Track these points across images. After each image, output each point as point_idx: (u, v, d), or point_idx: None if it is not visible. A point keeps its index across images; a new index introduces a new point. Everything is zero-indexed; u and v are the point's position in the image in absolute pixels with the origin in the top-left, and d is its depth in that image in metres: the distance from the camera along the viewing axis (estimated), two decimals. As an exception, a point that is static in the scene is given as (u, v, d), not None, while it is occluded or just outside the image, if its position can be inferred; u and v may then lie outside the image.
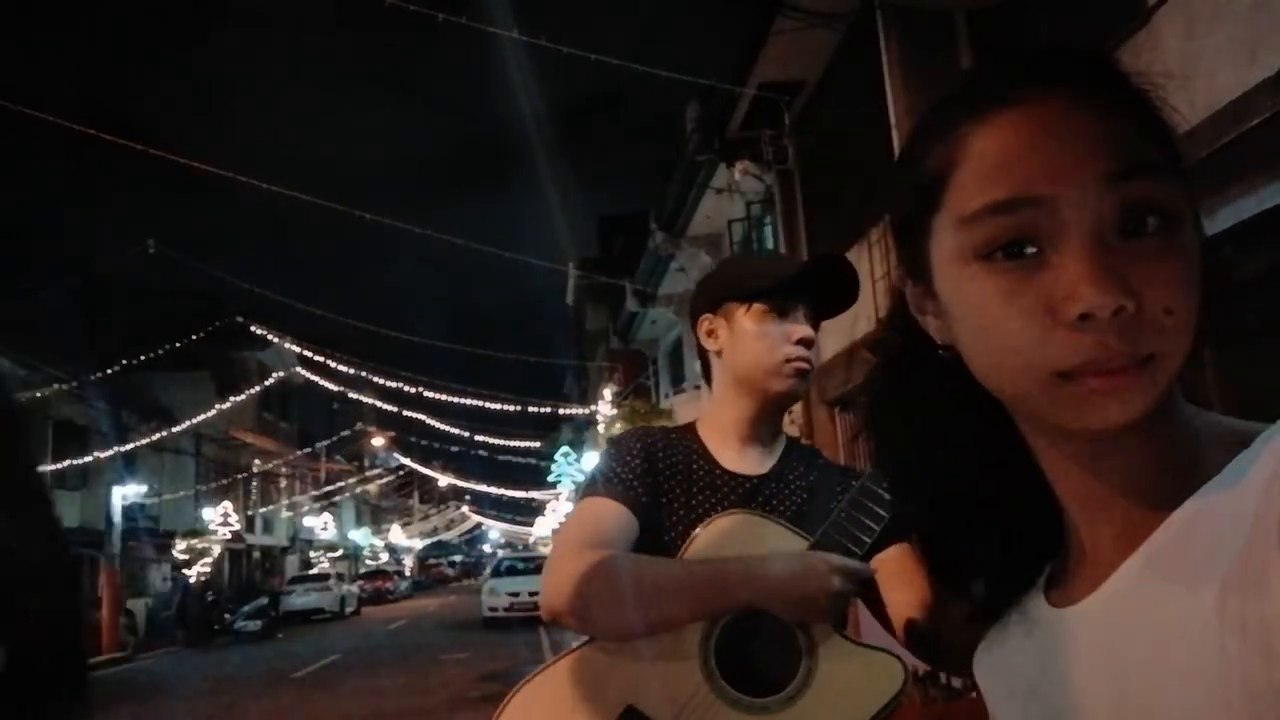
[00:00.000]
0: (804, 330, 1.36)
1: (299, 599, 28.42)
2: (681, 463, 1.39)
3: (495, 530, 67.32)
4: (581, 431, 27.28)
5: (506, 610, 19.48)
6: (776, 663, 1.20)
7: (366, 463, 44.17)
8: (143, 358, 20.08)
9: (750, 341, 1.37)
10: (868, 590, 1.31)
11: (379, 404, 25.32)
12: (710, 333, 1.43)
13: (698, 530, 1.27)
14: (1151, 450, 0.58)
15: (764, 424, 1.41)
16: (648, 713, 1.17)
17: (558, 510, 30.11)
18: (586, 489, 1.38)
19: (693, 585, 1.19)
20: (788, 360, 1.35)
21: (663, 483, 1.36)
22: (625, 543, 1.28)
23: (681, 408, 12.93)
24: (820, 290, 1.38)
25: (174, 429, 23.21)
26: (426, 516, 59.24)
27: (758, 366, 1.36)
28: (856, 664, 1.22)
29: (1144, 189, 0.55)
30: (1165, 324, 0.53)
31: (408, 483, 51.69)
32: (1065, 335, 0.51)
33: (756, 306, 1.37)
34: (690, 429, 1.45)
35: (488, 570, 28.38)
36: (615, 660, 1.20)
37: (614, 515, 1.31)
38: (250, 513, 32.67)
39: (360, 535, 47.26)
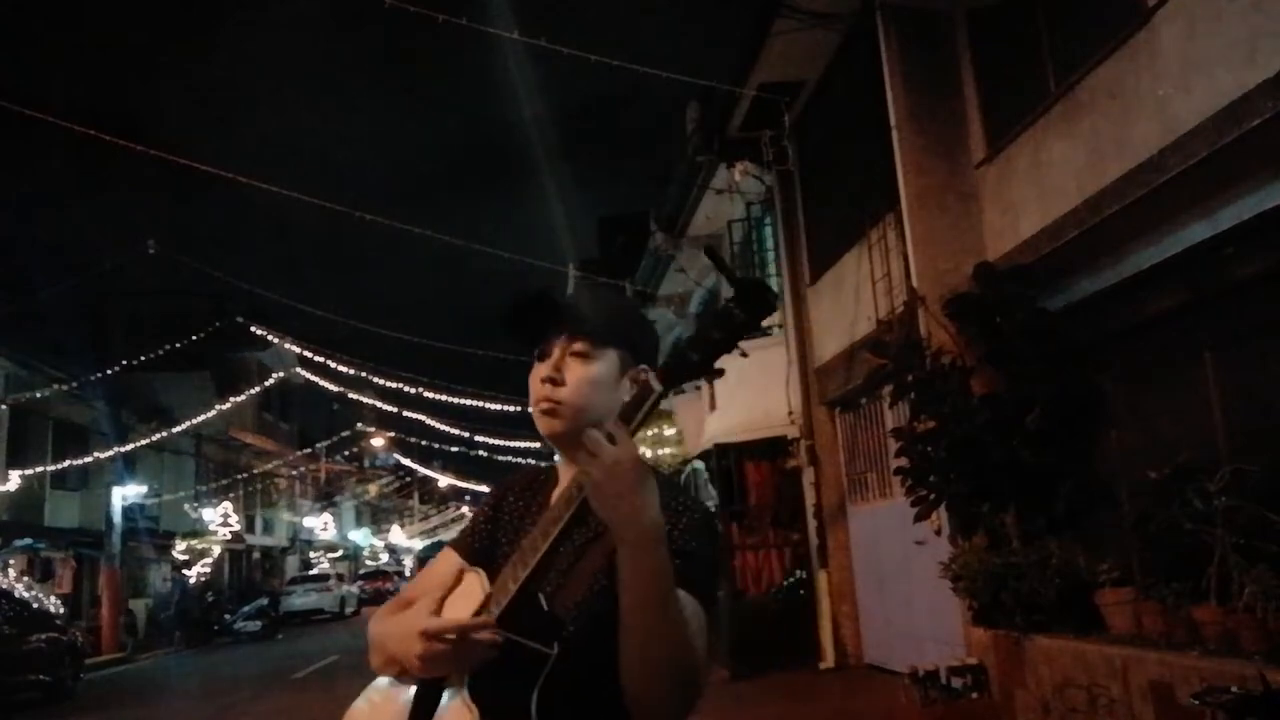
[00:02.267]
0: (544, 370, 1.34)
1: (299, 599, 28.43)
2: (526, 504, 1.46)
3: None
4: (581, 432, 27.15)
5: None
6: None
7: (366, 463, 44.16)
8: (143, 358, 20.06)
9: (530, 391, 1.38)
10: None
11: (379, 404, 25.31)
12: None
13: (467, 576, 1.35)
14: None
15: (569, 460, 1.38)
16: None
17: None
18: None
19: (378, 639, 1.37)
20: (535, 404, 1.36)
21: (499, 528, 1.45)
22: (444, 585, 1.35)
23: (682, 408, 12.91)
24: (558, 318, 1.36)
25: (174, 429, 23.19)
26: (426, 516, 59.20)
27: (531, 411, 1.38)
28: None
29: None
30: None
31: (408, 483, 51.67)
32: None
33: (534, 360, 1.38)
34: (554, 471, 1.48)
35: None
36: (382, 699, 1.37)
37: (443, 564, 1.44)
38: (250, 513, 32.66)
39: (360, 535, 47.24)
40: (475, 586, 1.30)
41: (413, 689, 1.29)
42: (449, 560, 1.43)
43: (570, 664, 1.18)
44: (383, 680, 1.38)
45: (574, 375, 1.34)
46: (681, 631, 1.14)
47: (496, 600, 1.22)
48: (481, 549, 1.43)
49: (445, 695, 1.24)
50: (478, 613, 1.23)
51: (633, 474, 1.11)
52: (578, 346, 1.34)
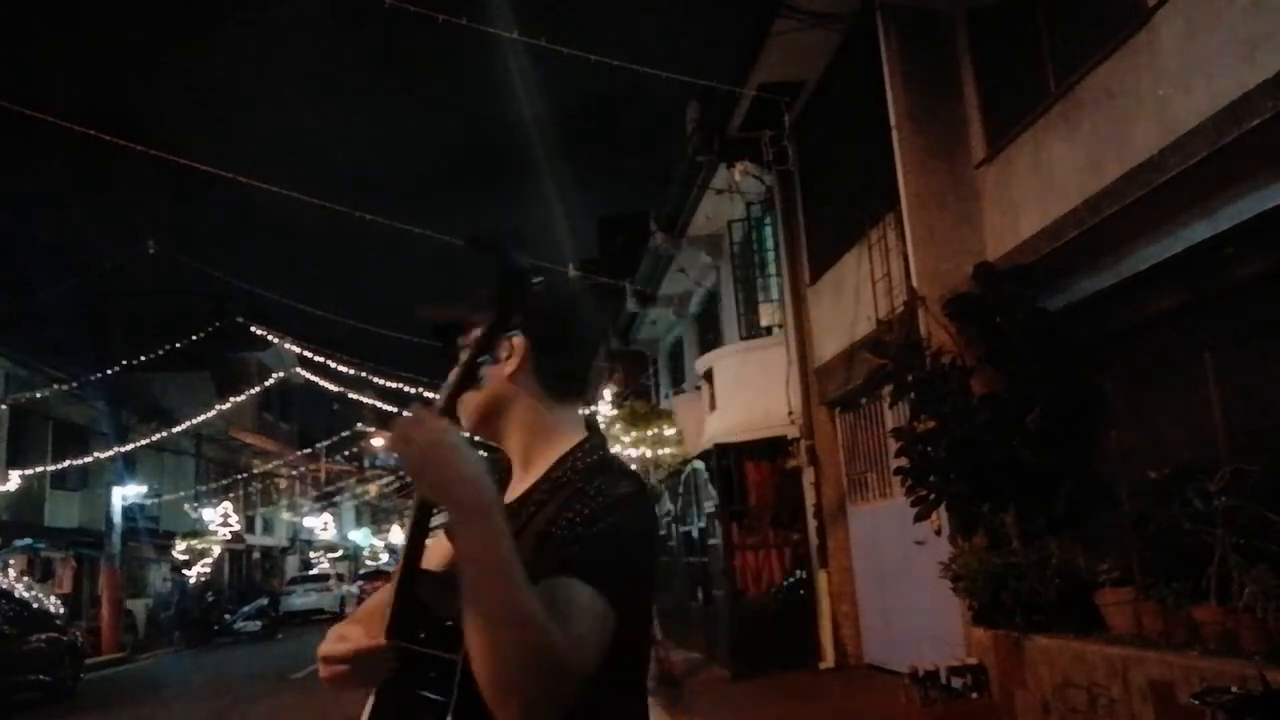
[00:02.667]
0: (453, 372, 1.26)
1: (299, 599, 28.44)
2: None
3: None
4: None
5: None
6: None
7: (366, 463, 44.15)
8: (143, 358, 20.06)
9: None
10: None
11: (379, 404, 25.29)
12: None
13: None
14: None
15: (514, 451, 1.35)
16: None
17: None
18: None
19: None
20: None
21: None
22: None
23: (681, 408, 12.90)
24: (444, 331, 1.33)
25: (174, 429, 23.18)
26: (426, 517, 59.17)
27: None
28: None
29: None
30: None
31: (408, 483, 51.59)
32: None
33: None
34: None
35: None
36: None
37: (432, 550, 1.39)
38: (250, 513, 32.66)
39: (360, 535, 47.23)
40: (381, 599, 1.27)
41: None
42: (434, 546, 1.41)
43: None
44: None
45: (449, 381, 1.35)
46: (528, 613, 1.01)
47: (391, 606, 1.16)
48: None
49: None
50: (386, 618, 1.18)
51: (447, 448, 1.07)
52: (494, 330, 1.27)
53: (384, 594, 1.38)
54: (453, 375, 1.18)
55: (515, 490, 1.32)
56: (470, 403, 1.29)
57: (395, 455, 1.10)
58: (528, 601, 1.02)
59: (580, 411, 1.40)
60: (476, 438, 1.35)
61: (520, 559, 1.05)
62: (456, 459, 1.07)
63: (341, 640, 1.20)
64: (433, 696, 1.12)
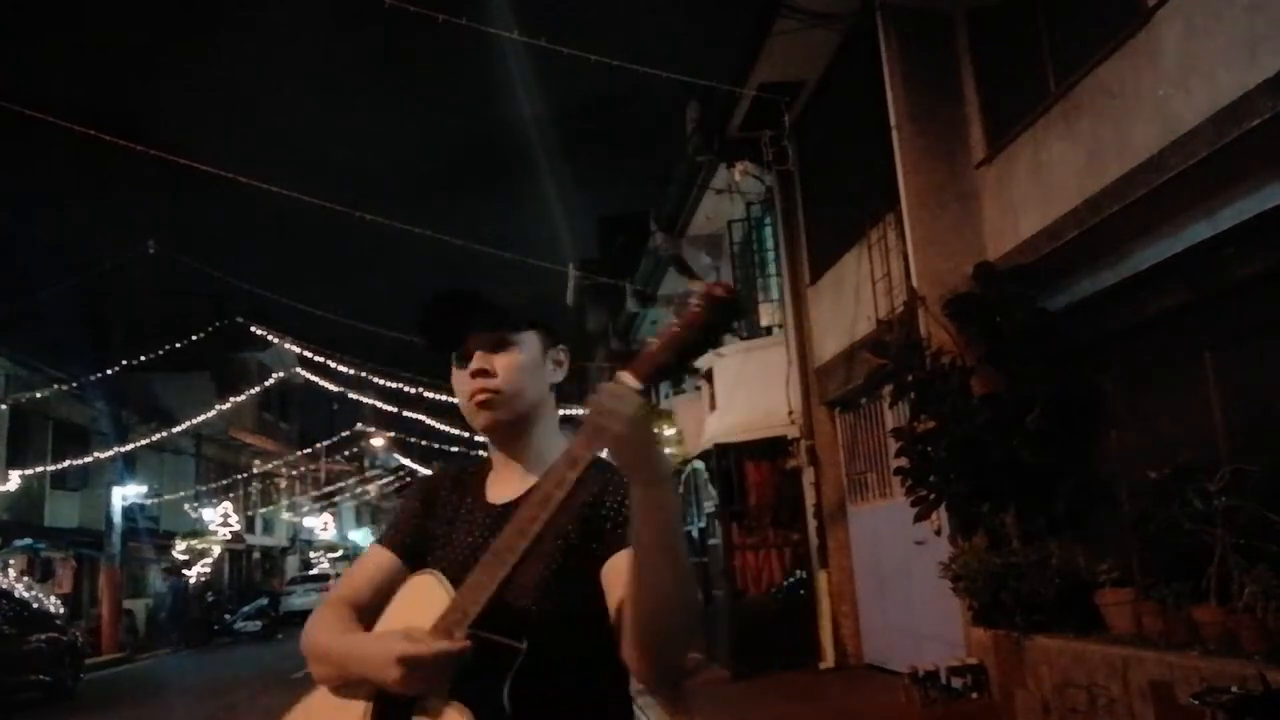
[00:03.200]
0: (475, 364, 1.40)
1: (299, 599, 28.38)
2: (457, 500, 1.49)
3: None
4: (581, 432, 27.13)
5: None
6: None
7: (366, 463, 44.14)
8: (143, 358, 20.05)
9: (457, 394, 1.44)
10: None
11: (379, 404, 25.29)
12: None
13: (408, 582, 1.36)
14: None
15: (510, 454, 1.46)
16: None
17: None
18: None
19: (336, 656, 1.33)
20: (470, 399, 1.41)
21: (430, 522, 1.47)
22: (377, 586, 1.41)
23: (681, 408, 12.90)
24: (461, 320, 1.42)
25: (174, 429, 23.18)
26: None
27: (464, 412, 1.44)
28: None
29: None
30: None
31: (408, 483, 51.67)
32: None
33: (452, 364, 1.44)
34: (485, 463, 1.53)
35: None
36: (322, 704, 1.34)
37: (374, 560, 1.46)
38: (250, 513, 32.65)
39: (360, 535, 47.20)
40: (433, 589, 1.29)
41: (362, 703, 1.29)
42: (378, 556, 1.46)
43: (539, 654, 1.21)
44: (322, 690, 1.36)
45: (502, 364, 1.40)
46: (688, 562, 1.20)
47: (469, 603, 1.22)
48: (412, 544, 1.45)
49: (430, 702, 1.23)
50: (445, 616, 1.23)
51: (648, 421, 1.16)
52: (498, 337, 1.40)
53: (360, 575, 1.46)
54: (657, 358, 1.19)
55: (503, 487, 1.45)
56: (521, 401, 1.41)
57: (598, 425, 1.14)
58: (687, 557, 1.20)
59: None
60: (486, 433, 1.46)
61: (570, 531, 1.28)
62: (652, 433, 1.17)
63: (417, 642, 1.21)
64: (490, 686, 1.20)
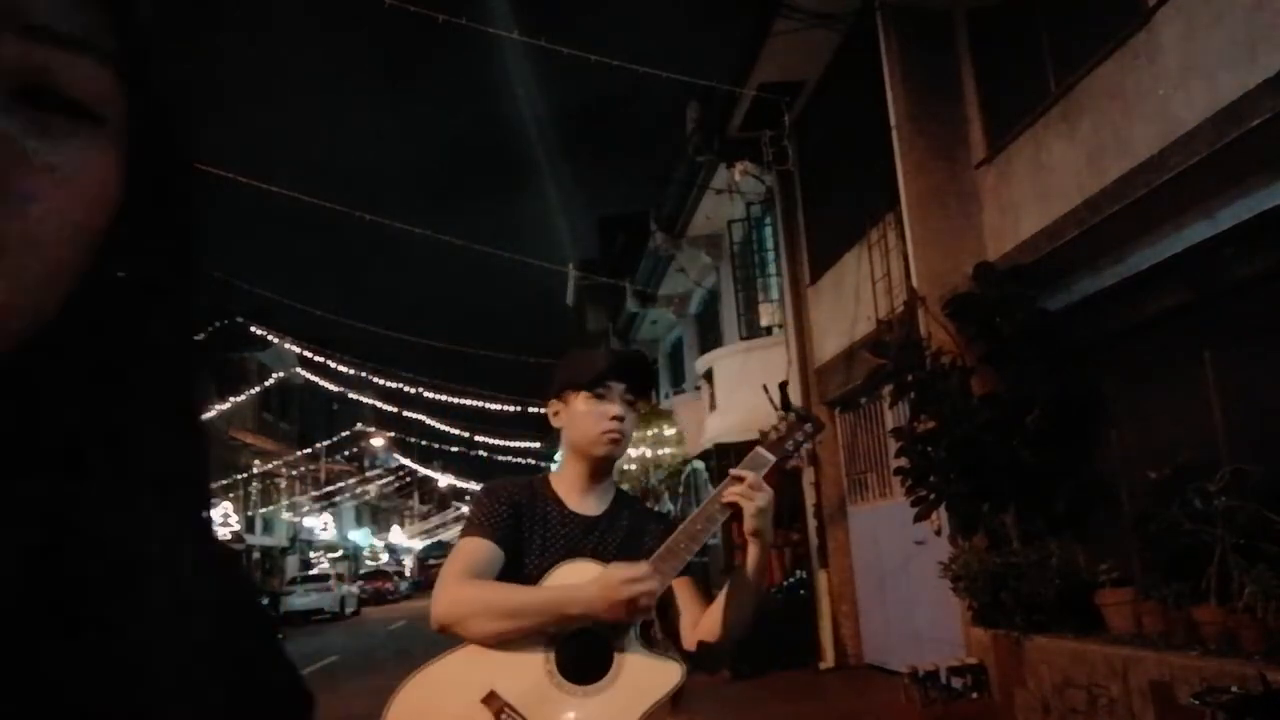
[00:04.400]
0: (615, 409, 1.82)
1: (299, 599, 28.39)
2: (540, 508, 1.81)
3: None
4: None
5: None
6: (597, 661, 1.62)
7: (366, 463, 44.16)
8: (143, 358, 20.02)
9: (580, 420, 1.82)
10: (666, 605, 1.77)
11: (379, 404, 25.31)
12: (555, 413, 1.88)
13: (559, 566, 1.71)
14: None
15: (595, 478, 1.85)
16: (503, 694, 1.59)
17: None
18: (465, 530, 1.78)
19: (538, 606, 1.64)
20: (604, 432, 1.80)
21: (523, 524, 1.77)
22: (491, 570, 1.70)
23: (681, 408, 12.91)
24: (631, 376, 1.86)
25: (174, 429, 23.15)
26: (426, 516, 59.22)
27: (584, 437, 1.82)
28: (648, 665, 1.64)
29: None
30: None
31: (408, 483, 51.68)
32: None
33: (584, 393, 1.82)
34: (545, 481, 1.87)
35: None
36: (485, 657, 1.62)
37: (484, 550, 1.72)
38: (250, 513, 32.66)
39: (360, 536, 47.23)
40: (591, 569, 1.67)
41: (540, 653, 1.61)
42: (484, 547, 1.72)
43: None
44: (443, 662, 1.62)
45: (630, 420, 1.86)
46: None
47: (663, 573, 1.66)
48: (507, 539, 1.74)
49: (621, 640, 1.63)
50: (642, 577, 1.64)
51: (774, 501, 1.76)
52: (634, 398, 1.86)
53: (478, 559, 1.73)
54: (764, 458, 1.84)
55: (587, 502, 1.85)
56: (625, 448, 1.89)
57: (754, 501, 1.73)
58: None
59: None
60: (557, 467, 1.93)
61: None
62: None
63: (639, 580, 1.60)
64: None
